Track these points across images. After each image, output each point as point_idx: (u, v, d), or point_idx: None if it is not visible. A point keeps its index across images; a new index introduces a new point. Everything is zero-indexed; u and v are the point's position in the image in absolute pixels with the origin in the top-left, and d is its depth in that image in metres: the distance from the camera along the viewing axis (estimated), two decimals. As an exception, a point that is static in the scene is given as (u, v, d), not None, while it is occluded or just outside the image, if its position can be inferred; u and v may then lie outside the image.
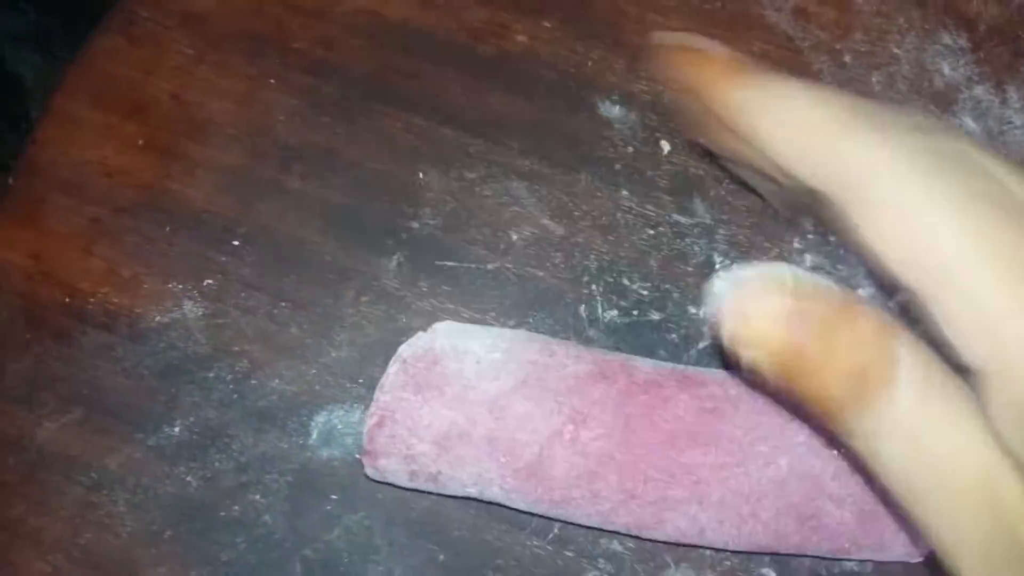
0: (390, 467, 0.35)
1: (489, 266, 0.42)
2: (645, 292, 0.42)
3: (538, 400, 0.34)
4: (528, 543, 0.39)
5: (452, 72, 0.44)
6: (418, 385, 0.34)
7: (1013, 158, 0.43)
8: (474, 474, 0.34)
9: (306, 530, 0.38)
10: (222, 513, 0.38)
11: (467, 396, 0.34)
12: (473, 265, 0.42)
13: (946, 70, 0.46)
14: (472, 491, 0.35)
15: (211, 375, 0.40)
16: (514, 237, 0.42)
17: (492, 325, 0.41)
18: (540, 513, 0.36)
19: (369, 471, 0.35)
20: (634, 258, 0.42)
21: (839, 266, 0.42)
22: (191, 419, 0.39)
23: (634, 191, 0.43)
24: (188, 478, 0.38)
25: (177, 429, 0.39)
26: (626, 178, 0.43)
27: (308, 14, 0.44)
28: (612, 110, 0.44)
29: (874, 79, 0.45)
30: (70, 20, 0.93)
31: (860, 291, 0.42)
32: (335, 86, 0.44)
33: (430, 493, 0.37)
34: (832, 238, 0.42)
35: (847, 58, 0.46)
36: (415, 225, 0.42)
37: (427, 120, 0.43)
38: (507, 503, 0.35)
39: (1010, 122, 0.44)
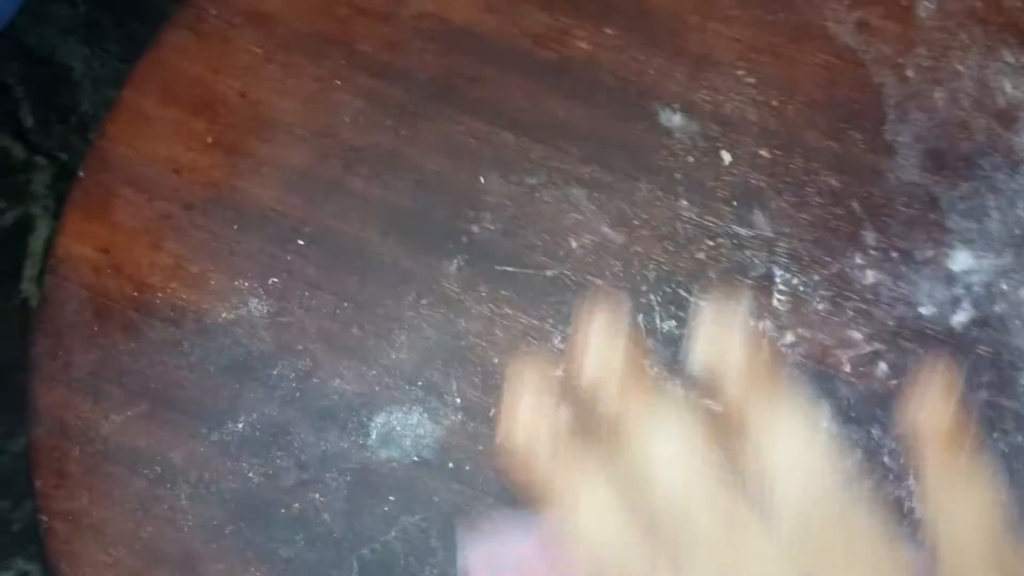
0: None
1: (548, 272, 0.42)
2: (704, 304, 0.42)
3: None
4: (583, 550, 0.39)
5: (514, 77, 0.44)
6: None
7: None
8: None
9: (364, 530, 0.39)
10: (282, 510, 0.39)
11: None
12: (532, 271, 0.42)
13: (1008, 88, 0.45)
14: None
15: (274, 372, 0.40)
16: (573, 244, 0.42)
17: (550, 332, 0.41)
18: None
19: None
20: (693, 269, 0.42)
21: (900, 283, 0.42)
22: (254, 415, 0.40)
23: (694, 201, 0.43)
24: (250, 474, 0.39)
25: (240, 425, 0.39)
26: (686, 188, 0.43)
27: (374, 16, 0.44)
28: (672, 119, 0.44)
29: (936, 95, 0.45)
30: (120, 14, 0.94)
31: (921, 309, 0.41)
32: (399, 89, 0.44)
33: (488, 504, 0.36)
34: (894, 255, 0.42)
35: (909, 72, 0.45)
36: (475, 229, 0.42)
37: (489, 125, 0.44)
38: None
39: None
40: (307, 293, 0.41)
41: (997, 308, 0.41)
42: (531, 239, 0.42)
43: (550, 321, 0.42)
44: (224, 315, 0.41)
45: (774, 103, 0.44)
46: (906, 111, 0.44)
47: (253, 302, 0.41)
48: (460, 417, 0.40)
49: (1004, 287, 0.41)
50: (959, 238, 0.42)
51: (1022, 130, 0.44)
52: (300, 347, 0.40)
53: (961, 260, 0.42)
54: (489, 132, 0.44)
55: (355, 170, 0.43)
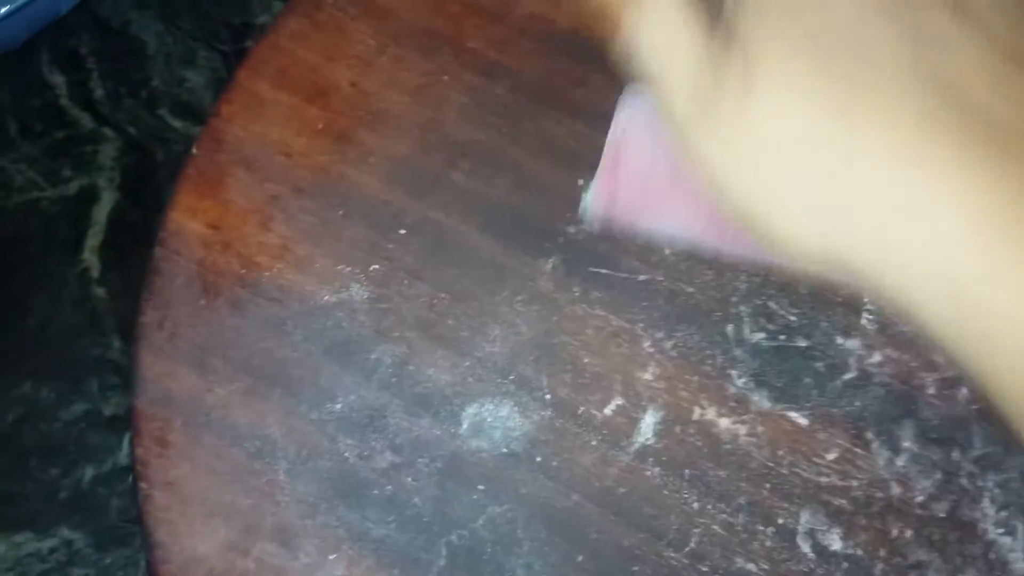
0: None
1: (640, 277, 0.43)
2: (793, 318, 0.42)
3: None
4: (665, 554, 0.39)
5: (618, 84, 0.45)
6: None
7: None
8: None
9: (453, 516, 0.39)
10: (375, 491, 0.40)
11: None
12: (625, 275, 0.43)
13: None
14: None
15: (372, 357, 0.41)
16: (667, 251, 0.43)
17: (640, 336, 0.42)
18: None
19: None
20: (784, 283, 0.43)
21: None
22: (352, 397, 0.41)
23: (786, 217, 0.43)
24: (346, 454, 0.40)
25: (339, 406, 0.40)
26: (780, 203, 0.44)
27: (485, 15, 0.45)
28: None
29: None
30: (196, -9, 0.96)
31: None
32: (504, 87, 0.45)
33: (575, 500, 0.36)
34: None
35: None
36: (572, 230, 0.43)
37: (589, 128, 0.44)
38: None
39: None
40: (406, 282, 0.42)
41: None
42: (625, 244, 0.43)
43: (640, 325, 0.42)
44: (327, 297, 0.42)
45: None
46: None
47: (355, 287, 0.42)
48: (549, 413, 0.41)
49: None
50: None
51: None
52: (397, 334, 0.41)
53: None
54: (590, 136, 0.44)
55: (457, 165, 0.44)
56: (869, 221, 0.18)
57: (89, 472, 0.87)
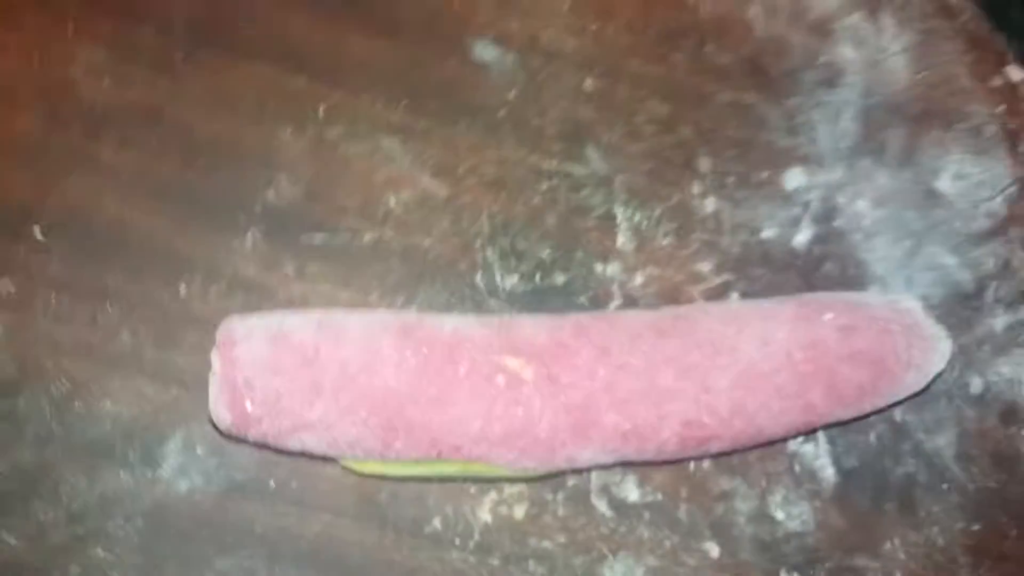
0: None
1: (366, 237, 0.36)
2: (546, 253, 0.37)
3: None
4: (447, 556, 0.33)
5: (298, 13, 0.37)
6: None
7: (893, 85, 0.42)
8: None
9: (169, 583, 0.31)
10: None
11: None
12: (346, 238, 0.36)
13: (821, 1, 0.44)
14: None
15: (20, 405, 0.31)
16: (392, 202, 0.36)
17: (374, 307, 0.35)
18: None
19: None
20: (529, 216, 0.37)
21: (739, 208, 0.39)
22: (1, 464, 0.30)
23: (521, 142, 0.38)
24: (9, 539, 0.30)
25: (-19, 480, 0.30)
26: (511, 128, 0.38)
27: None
28: (486, 52, 0.39)
29: (751, 13, 0.43)
30: None
31: (763, 233, 0.39)
32: (152, 31, 0.35)
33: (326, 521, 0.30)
34: (730, 179, 0.40)
35: (725, -8, 0.43)
36: (271, 196, 0.35)
37: (273, 69, 0.36)
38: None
39: (886, 49, 0.43)
40: (54, 298, 0.32)
41: (836, 223, 0.40)
42: (341, 200, 0.36)
43: (375, 294, 0.35)
44: (-63, 340, 0.31)
45: (592, 28, 0.40)
46: (723, 29, 0.41)
47: (-21, 318, 0.31)
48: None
49: (840, 201, 0.40)
50: (790, 156, 0.40)
51: (838, 42, 0.43)
52: (51, 367, 0.31)
53: (795, 178, 0.40)
54: (275, 78, 0.36)
55: (101, 136, 0.34)
56: None
57: None
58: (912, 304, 0.34)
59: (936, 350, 0.33)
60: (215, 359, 0.29)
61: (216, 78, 0.36)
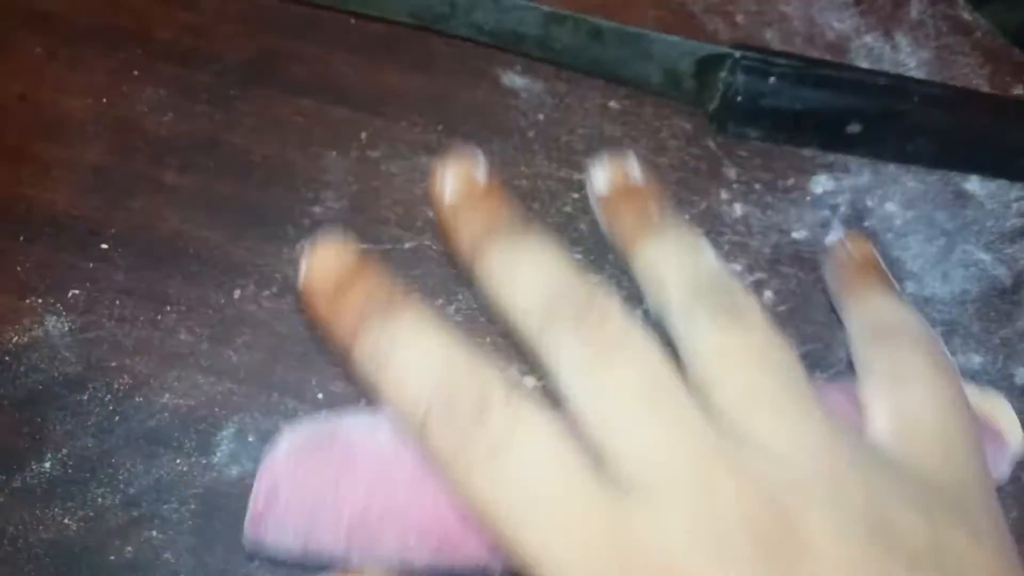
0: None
1: (407, 245, 0.38)
2: (579, 257, 0.38)
3: None
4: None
5: (339, 52, 0.41)
6: None
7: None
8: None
9: (217, 566, 0.31)
10: (111, 557, 0.30)
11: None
12: (388, 246, 0.37)
13: (834, 23, 0.46)
14: None
15: (84, 398, 0.33)
16: (430, 213, 0.38)
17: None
18: None
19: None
20: (562, 223, 0.39)
21: (768, 212, 0.40)
22: (63, 451, 0.32)
23: (551, 157, 0.40)
24: (66, 520, 0.31)
25: (48, 464, 0.32)
26: (541, 145, 0.40)
27: (172, 4, 0.40)
28: (515, 80, 0.42)
29: (768, 35, 0.45)
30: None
31: (794, 234, 0.40)
32: (209, 73, 0.39)
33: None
34: (757, 186, 0.41)
35: (739, 18, 0.45)
36: (317, 210, 0.38)
37: (317, 102, 0.40)
38: None
39: (904, 65, 0.44)
40: (118, 302, 0.34)
41: (867, 224, 0.40)
42: (383, 213, 0.38)
43: (417, 295, 0.37)
44: (15, 339, 0.33)
45: (614, 55, 0.42)
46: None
47: (51, 320, 0.34)
48: (325, 414, 0.34)
49: (869, 203, 0.41)
50: (815, 164, 0.41)
51: (855, 61, 0.45)
52: (115, 364, 0.33)
53: (822, 183, 0.41)
54: (319, 109, 0.39)
55: (165, 162, 0.37)
56: None
57: None
58: (999, 401, 0.30)
59: (1005, 455, 0.29)
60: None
61: (267, 111, 0.39)
